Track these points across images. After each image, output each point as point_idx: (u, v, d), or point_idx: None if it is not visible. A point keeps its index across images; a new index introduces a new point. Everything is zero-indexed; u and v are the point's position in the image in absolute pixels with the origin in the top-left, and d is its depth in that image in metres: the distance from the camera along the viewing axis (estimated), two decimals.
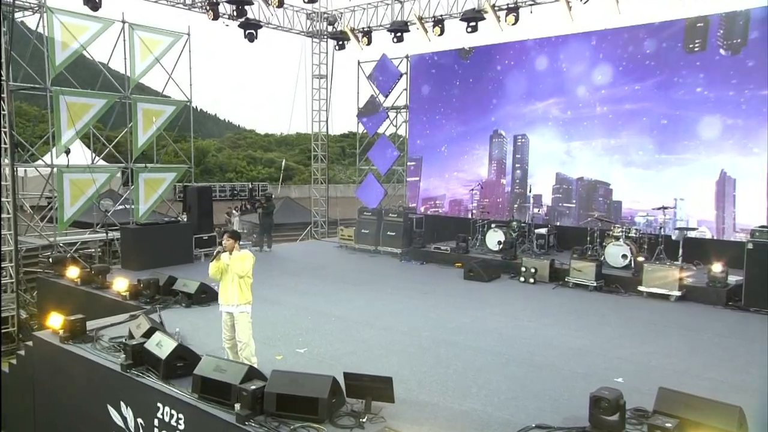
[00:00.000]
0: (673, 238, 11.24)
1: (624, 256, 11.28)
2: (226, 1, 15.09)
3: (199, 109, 16.04)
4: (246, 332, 6.24)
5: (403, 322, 8.73)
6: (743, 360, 7.05)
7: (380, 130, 18.05)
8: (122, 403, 6.36)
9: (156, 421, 5.92)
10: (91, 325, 7.71)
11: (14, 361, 8.53)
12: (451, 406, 5.70)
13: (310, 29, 18.08)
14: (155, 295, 9.21)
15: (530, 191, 14.22)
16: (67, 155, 13.47)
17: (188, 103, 15.68)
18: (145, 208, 15.02)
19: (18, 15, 12.98)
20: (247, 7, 15.40)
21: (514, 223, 13.85)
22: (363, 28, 16.80)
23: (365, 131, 18.44)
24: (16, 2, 12.52)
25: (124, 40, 14.27)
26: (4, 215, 11.91)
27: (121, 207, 15.10)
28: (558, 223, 14.10)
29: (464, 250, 13.42)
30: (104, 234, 14.05)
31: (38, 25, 13.02)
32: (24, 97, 21.39)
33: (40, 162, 13.94)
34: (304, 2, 15.95)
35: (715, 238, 11.77)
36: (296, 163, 47.28)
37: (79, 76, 14.25)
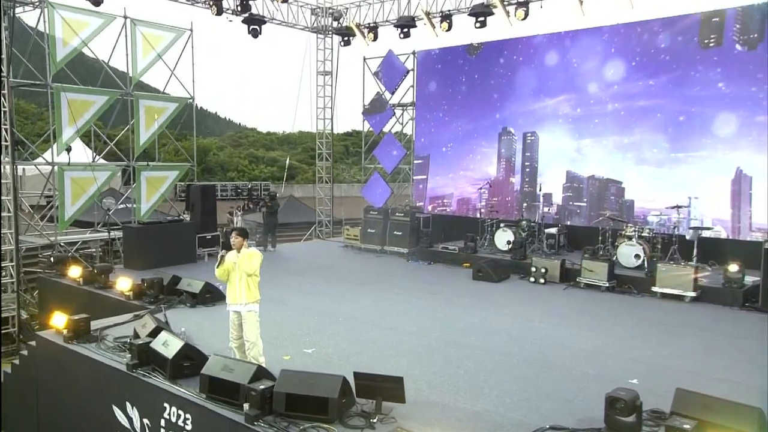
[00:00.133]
0: (688, 237, 11.22)
1: (637, 256, 11.28)
2: None
3: (199, 107, 16.19)
4: (254, 331, 6.29)
5: (412, 322, 8.77)
6: (761, 362, 7.04)
7: (386, 128, 18.06)
8: (128, 404, 6.41)
9: (162, 422, 5.96)
10: (94, 324, 7.76)
11: (17, 361, 8.60)
12: (463, 406, 5.72)
13: (315, 25, 18.13)
14: (159, 294, 9.28)
15: (540, 190, 14.23)
16: (68, 153, 13.54)
17: (191, 100, 15.75)
18: (147, 207, 15.09)
19: (18, 10, 13.07)
20: (251, 2, 15.46)
21: (524, 222, 13.85)
22: (369, 24, 16.84)
23: (370, 129, 18.47)
24: None
25: (126, 36, 14.34)
26: (4, 214, 12.01)
27: (122, 206, 15.18)
28: (568, 223, 14.10)
29: (472, 250, 13.44)
30: (106, 233, 14.14)
31: (39, 20, 13.10)
32: (22, 94, 21.50)
33: (40, 160, 14.04)
34: None
35: (730, 237, 11.75)
36: (299, 162, 47.33)
37: (78, 74, 14.29)
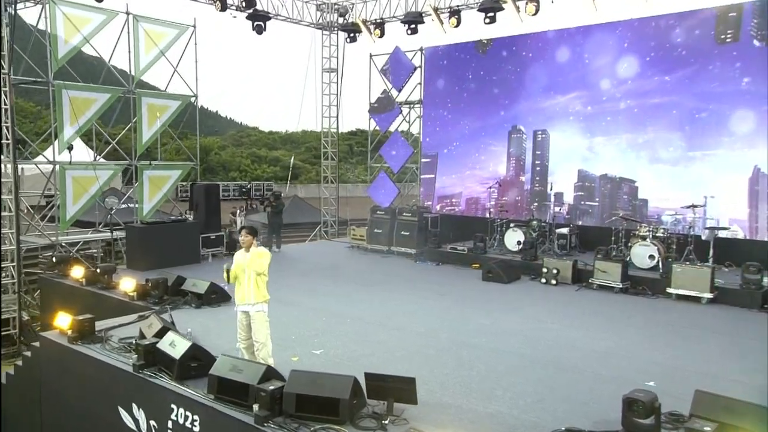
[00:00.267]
0: (703, 237, 11.21)
1: (651, 257, 11.27)
2: None
3: (200, 106, 16.30)
4: (263, 332, 6.32)
5: (421, 323, 8.80)
6: None
7: (393, 127, 18.11)
8: (134, 405, 6.45)
9: (170, 423, 6.01)
10: (99, 325, 7.81)
11: (20, 362, 8.66)
12: (476, 408, 5.74)
13: (320, 21, 18.20)
14: (164, 295, 9.33)
15: (551, 189, 14.24)
16: (69, 152, 13.61)
17: (194, 98, 15.82)
18: (150, 207, 15.16)
19: (19, 6, 13.17)
20: None
21: (534, 222, 13.85)
22: (375, 20, 16.88)
23: (376, 128, 18.51)
24: None
25: (128, 33, 14.41)
26: (5, 213, 12.09)
27: (123, 206, 15.25)
28: (580, 223, 14.10)
29: (482, 251, 13.45)
30: (107, 233, 14.22)
31: (40, 16, 13.19)
32: (20, 92, 21.67)
33: (41, 159, 14.12)
34: None
35: (747, 237, 11.73)
36: (302, 161, 47.46)
37: (77, 73, 14.33)
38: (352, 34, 17.68)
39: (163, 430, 6.10)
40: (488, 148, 15.86)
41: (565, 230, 13.42)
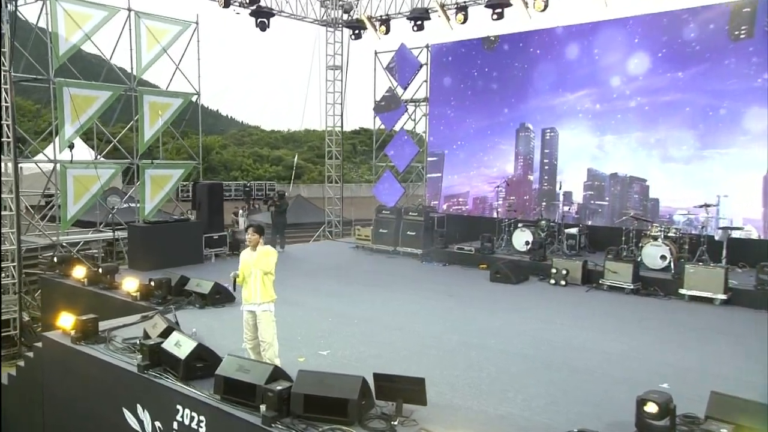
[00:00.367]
0: (717, 238, 11.19)
1: (663, 257, 11.25)
2: None
3: (200, 105, 16.25)
4: (270, 332, 6.34)
5: (429, 324, 8.82)
6: None
7: (398, 125, 18.12)
8: (139, 406, 6.48)
9: (175, 425, 6.03)
10: (102, 325, 7.85)
11: (22, 363, 8.70)
12: (486, 410, 5.75)
13: (325, 18, 18.23)
14: (167, 295, 9.37)
15: (560, 188, 14.23)
16: (70, 150, 13.67)
17: (197, 95, 15.87)
18: (152, 207, 15.20)
19: (20, 3, 13.22)
20: None
21: (543, 222, 13.84)
22: (381, 16, 16.90)
23: (381, 126, 18.52)
24: None
25: (130, 29, 14.47)
26: (5, 213, 12.14)
27: (125, 206, 15.31)
28: (589, 223, 14.09)
29: (489, 251, 13.46)
30: (109, 233, 14.28)
31: (41, 13, 13.24)
32: (18, 91, 21.68)
33: (41, 157, 14.17)
34: None
35: (762, 237, 11.69)
36: (305, 161, 47.52)
37: (75, 70, 14.38)
38: (356, 31, 17.70)
39: (169, 431, 6.12)
40: (496, 146, 15.86)
41: (574, 230, 13.41)
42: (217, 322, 8.55)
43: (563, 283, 11.45)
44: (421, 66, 17.26)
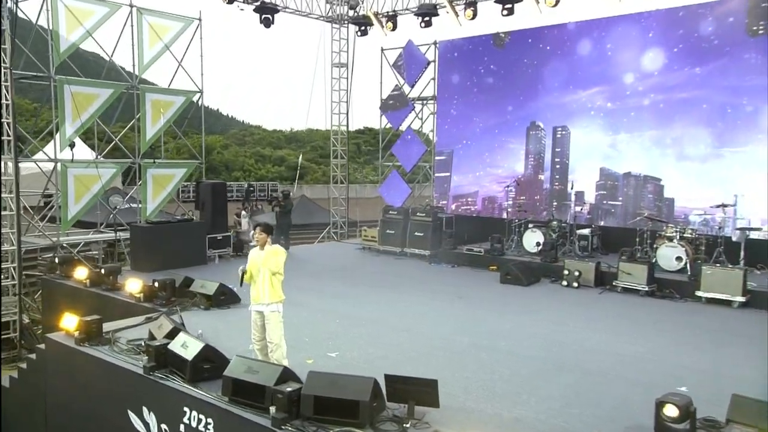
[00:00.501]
0: (734, 239, 11.17)
1: (678, 259, 11.25)
2: None
3: (200, 104, 16.36)
4: (277, 332, 6.38)
5: (439, 326, 8.84)
6: None
7: (405, 124, 18.16)
8: (144, 408, 6.52)
9: (182, 427, 6.07)
10: (106, 327, 7.89)
11: (24, 365, 8.76)
12: (500, 412, 5.77)
13: (330, 14, 18.29)
14: (171, 296, 9.41)
15: (571, 188, 14.19)
16: (71, 149, 13.74)
17: (199, 94, 15.92)
18: (153, 207, 15.25)
19: None
20: None
21: (554, 222, 13.84)
22: (387, 12, 16.95)
23: (387, 125, 18.56)
24: None
25: (132, 26, 14.55)
26: (5, 213, 12.22)
27: (126, 206, 15.37)
28: (602, 223, 14.08)
29: (499, 252, 13.47)
30: (111, 234, 14.34)
31: (41, 9, 13.33)
32: (16, 89, 21.77)
33: (42, 156, 14.24)
34: None
35: None
36: (308, 161, 47.61)
37: (74, 69, 14.49)
38: (362, 28, 17.76)
39: None
40: (505, 145, 15.87)
41: (586, 231, 13.40)
42: (222, 323, 8.59)
43: (575, 285, 11.45)
44: (428, 63, 17.29)
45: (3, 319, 11.82)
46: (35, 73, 13.49)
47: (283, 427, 5.24)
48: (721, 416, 5.26)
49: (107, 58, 14.60)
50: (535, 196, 15.31)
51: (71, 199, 13.80)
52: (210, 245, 13.58)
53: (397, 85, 17.88)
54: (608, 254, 13.08)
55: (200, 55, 15.66)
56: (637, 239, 12.21)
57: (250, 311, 6.57)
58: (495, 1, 14.71)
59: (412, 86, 17.69)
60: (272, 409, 5.34)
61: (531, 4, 14.19)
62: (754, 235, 11.24)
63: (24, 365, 8.80)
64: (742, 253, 10.86)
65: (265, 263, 6.30)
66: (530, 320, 9.29)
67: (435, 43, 17.24)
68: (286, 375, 5.62)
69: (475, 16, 15.26)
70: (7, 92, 12.19)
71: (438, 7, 15.92)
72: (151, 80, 19.67)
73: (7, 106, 12.22)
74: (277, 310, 6.40)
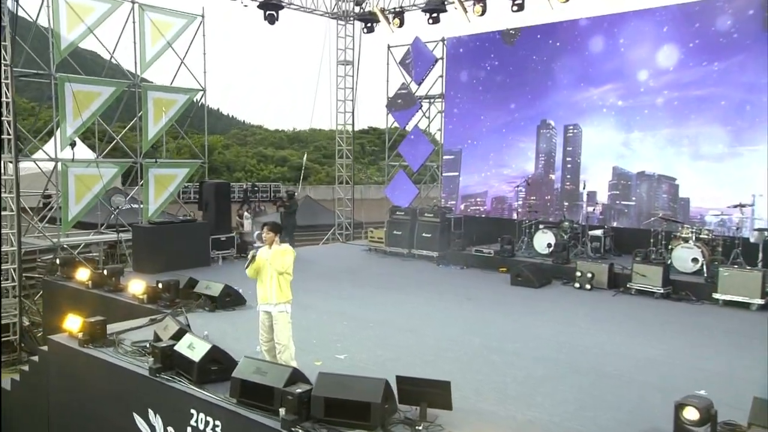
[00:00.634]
0: (752, 240, 11.16)
1: (694, 260, 11.24)
2: None
3: (200, 103, 16.46)
4: (285, 334, 6.42)
5: (449, 328, 8.88)
6: None
7: (412, 123, 18.19)
8: (150, 411, 6.56)
9: (189, 429, 6.10)
10: (110, 328, 7.94)
11: (26, 368, 8.81)
12: (514, 415, 5.79)
13: (335, 10, 18.35)
14: (175, 298, 9.45)
15: (583, 188, 14.21)
16: (72, 148, 13.82)
17: (202, 92, 16.00)
18: (155, 207, 15.32)
19: None
20: None
21: (566, 223, 13.84)
22: (394, 9, 16.98)
23: (394, 124, 18.59)
24: None
25: (134, 22, 14.63)
26: (5, 213, 12.29)
27: (126, 206, 15.43)
28: (615, 224, 14.08)
29: (509, 254, 13.48)
30: (112, 235, 14.41)
31: (41, 6, 13.41)
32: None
33: (42, 155, 14.32)
34: None
35: None
36: (311, 161, 47.70)
37: (71, 67, 14.56)
38: (369, 24, 17.81)
39: None
40: (515, 144, 15.88)
41: (598, 232, 13.40)
42: (228, 325, 8.64)
43: (588, 287, 11.45)
44: (436, 60, 17.32)
45: (3, 322, 11.89)
46: (36, 71, 13.57)
47: (293, 429, 5.27)
48: (741, 420, 5.26)
49: (106, 57, 14.71)
50: (545, 196, 15.32)
51: (72, 199, 13.87)
52: (213, 246, 13.63)
53: (404, 83, 17.91)
54: (621, 256, 13.08)
55: (203, 52, 15.76)
56: (652, 240, 12.20)
57: (258, 311, 6.61)
58: None
59: (420, 84, 17.72)
60: (282, 410, 5.37)
61: None
62: None
63: (26, 368, 8.85)
64: (760, 255, 10.84)
65: (272, 263, 6.34)
66: (542, 322, 9.31)
67: (443, 39, 17.26)
68: (296, 376, 5.65)
69: (484, 12, 15.24)
70: (8, 90, 12.26)
71: (446, 2, 15.95)
72: (152, 79, 19.81)
73: (8, 104, 12.29)
74: (285, 310, 6.44)
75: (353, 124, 19.51)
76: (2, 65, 12.03)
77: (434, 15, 16.12)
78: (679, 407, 5.04)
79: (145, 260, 12.61)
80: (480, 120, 16.50)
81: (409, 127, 18.25)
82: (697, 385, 6.58)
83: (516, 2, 14.56)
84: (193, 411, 6.07)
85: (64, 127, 13.69)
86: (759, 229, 11.22)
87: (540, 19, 15.07)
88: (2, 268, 12.20)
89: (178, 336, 6.86)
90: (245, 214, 16.34)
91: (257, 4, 16.05)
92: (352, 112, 19.27)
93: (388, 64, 18.23)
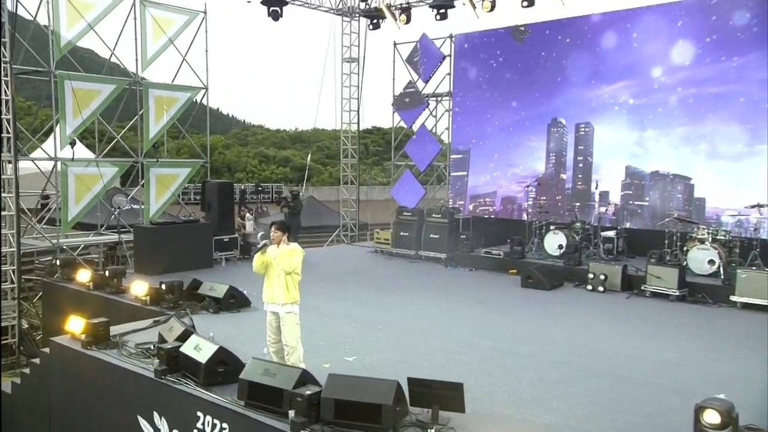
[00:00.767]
0: None
1: (711, 262, 11.22)
2: None
3: (199, 103, 16.45)
4: (293, 335, 6.44)
5: (459, 330, 8.89)
6: None
7: (419, 122, 18.22)
8: (155, 414, 6.59)
9: None
10: (112, 330, 7.98)
11: (27, 371, 8.85)
12: (529, 418, 5.80)
13: (341, 6, 18.40)
14: (179, 299, 9.49)
15: (595, 188, 14.20)
16: (72, 147, 13.87)
17: (204, 90, 16.05)
18: (157, 208, 15.37)
19: None
20: None
21: (578, 224, 13.82)
22: (401, 4, 17.03)
23: (400, 124, 18.61)
24: None
25: (135, 19, 14.70)
26: (4, 213, 12.35)
27: (126, 207, 15.48)
28: (628, 225, 14.07)
29: (519, 255, 13.49)
30: (112, 236, 14.45)
31: (41, 2, 13.48)
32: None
33: (41, 155, 14.38)
34: None
35: None
36: (314, 161, 47.79)
37: (69, 65, 14.63)
38: (374, 21, 17.86)
39: None
40: (524, 143, 15.90)
41: (611, 233, 13.41)
42: (233, 327, 8.67)
43: (601, 289, 11.46)
44: (443, 58, 17.35)
45: (2, 324, 11.94)
46: (35, 68, 13.64)
47: (302, 431, 5.29)
48: (763, 424, 5.27)
49: (103, 54, 14.80)
50: (556, 196, 15.32)
51: (71, 199, 13.92)
52: (216, 247, 13.65)
53: (411, 81, 17.95)
54: (634, 257, 13.07)
55: (205, 50, 15.82)
56: (666, 242, 12.20)
57: (265, 311, 6.63)
58: None
59: (427, 81, 17.75)
60: (291, 413, 5.38)
61: None
62: None
63: (27, 370, 8.89)
64: None
65: (279, 262, 6.36)
66: (554, 324, 9.32)
67: (451, 36, 17.29)
68: (305, 378, 5.67)
69: (493, 8, 15.31)
70: (7, 88, 12.32)
71: None
72: (152, 78, 19.87)
73: (7, 102, 12.36)
74: (292, 311, 6.46)
75: (359, 123, 19.55)
76: (1, 62, 12.09)
77: (442, 11, 16.17)
78: (699, 410, 5.04)
79: (147, 261, 12.64)
80: (488, 118, 16.52)
81: (416, 126, 18.27)
82: (716, 388, 6.55)
83: None
84: (199, 413, 6.10)
85: (63, 125, 13.75)
86: None
87: (550, 15, 15.13)
88: (1, 269, 12.26)
89: (183, 337, 6.89)
90: (247, 215, 16.38)
91: (261, 0, 16.10)
92: (357, 111, 19.31)
93: (394, 61, 18.29)
